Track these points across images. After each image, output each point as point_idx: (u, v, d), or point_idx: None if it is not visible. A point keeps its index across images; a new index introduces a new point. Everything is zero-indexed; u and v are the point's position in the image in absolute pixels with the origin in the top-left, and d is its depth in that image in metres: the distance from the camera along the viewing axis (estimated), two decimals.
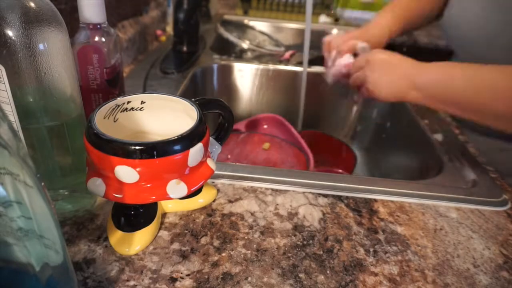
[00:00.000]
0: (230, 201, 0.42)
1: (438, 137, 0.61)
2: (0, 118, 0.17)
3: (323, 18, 1.33)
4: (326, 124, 0.93)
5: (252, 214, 0.41)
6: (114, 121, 0.36)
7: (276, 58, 1.01)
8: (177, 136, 0.31)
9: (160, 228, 0.38)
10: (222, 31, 1.07)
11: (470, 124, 0.65)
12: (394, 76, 0.55)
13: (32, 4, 0.30)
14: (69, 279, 0.24)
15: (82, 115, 0.37)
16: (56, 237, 0.21)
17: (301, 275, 0.34)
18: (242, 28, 1.24)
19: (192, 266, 0.34)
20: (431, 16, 0.76)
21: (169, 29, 1.03)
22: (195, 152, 0.32)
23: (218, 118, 0.40)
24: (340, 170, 0.80)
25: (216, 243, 0.37)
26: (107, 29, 0.44)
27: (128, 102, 0.36)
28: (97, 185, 0.32)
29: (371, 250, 0.38)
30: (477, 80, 0.48)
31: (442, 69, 0.52)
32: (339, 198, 0.45)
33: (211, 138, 0.40)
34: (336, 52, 0.67)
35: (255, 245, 0.37)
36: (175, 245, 0.36)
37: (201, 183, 0.34)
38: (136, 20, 0.85)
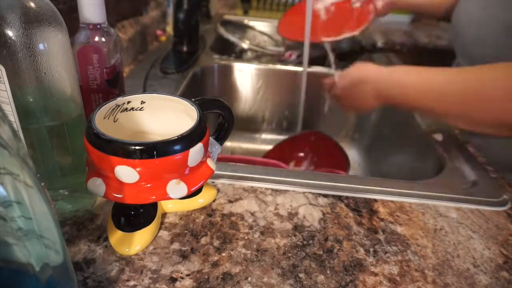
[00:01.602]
0: (230, 201, 0.42)
1: (438, 137, 0.61)
2: (0, 118, 0.17)
3: None
4: (326, 124, 0.93)
5: (252, 214, 0.41)
6: (114, 121, 0.36)
7: (276, 58, 1.01)
8: (177, 136, 0.31)
9: (160, 228, 0.38)
10: (222, 31, 1.07)
11: None
12: (363, 94, 0.62)
13: (32, 4, 0.30)
14: (69, 279, 0.24)
15: (82, 115, 0.37)
16: (56, 237, 0.21)
17: (301, 275, 0.34)
18: (242, 28, 1.24)
19: (192, 266, 0.34)
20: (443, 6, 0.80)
21: (169, 29, 1.03)
22: (195, 152, 0.32)
23: (218, 118, 0.41)
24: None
25: (216, 243, 0.37)
26: (107, 29, 0.45)
27: (128, 102, 0.36)
28: (97, 185, 0.32)
29: (371, 250, 0.38)
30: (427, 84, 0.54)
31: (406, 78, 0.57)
32: (339, 198, 0.45)
33: (211, 138, 0.40)
34: None
35: (255, 245, 0.37)
36: (175, 245, 0.36)
37: (201, 183, 0.34)
38: (136, 20, 0.85)
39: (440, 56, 0.77)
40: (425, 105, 0.54)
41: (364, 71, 0.63)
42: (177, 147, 0.31)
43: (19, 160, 0.18)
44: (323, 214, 0.42)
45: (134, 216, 0.36)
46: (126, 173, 0.30)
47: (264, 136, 0.96)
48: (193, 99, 0.37)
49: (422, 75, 0.55)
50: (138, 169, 0.30)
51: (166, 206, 0.40)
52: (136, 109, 0.37)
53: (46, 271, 0.21)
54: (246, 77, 0.90)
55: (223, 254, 0.36)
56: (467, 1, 0.66)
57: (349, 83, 0.64)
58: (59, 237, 0.22)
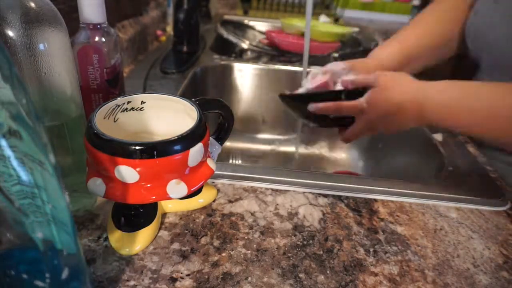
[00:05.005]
0: (230, 201, 0.42)
1: (438, 137, 0.61)
2: (25, 104, 0.18)
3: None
4: None
5: (252, 214, 0.41)
6: (114, 121, 0.36)
7: (276, 58, 1.01)
8: (177, 136, 0.31)
9: (160, 228, 0.38)
10: (222, 31, 1.07)
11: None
12: (401, 121, 0.52)
13: (32, 4, 0.30)
14: (83, 269, 0.25)
15: (82, 115, 0.37)
16: (71, 227, 0.22)
17: (301, 275, 0.34)
18: (242, 28, 1.24)
19: (192, 266, 0.34)
20: (445, 49, 0.69)
21: (169, 29, 1.03)
22: (195, 152, 0.32)
23: (218, 118, 0.41)
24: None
25: (216, 243, 0.37)
26: (107, 29, 0.45)
27: (128, 102, 0.36)
28: (97, 185, 0.32)
29: (371, 250, 0.38)
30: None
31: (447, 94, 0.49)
32: (339, 198, 0.45)
33: (211, 138, 0.40)
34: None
35: (255, 245, 0.37)
36: (175, 245, 0.36)
37: (201, 183, 0.34)
38: (136, 20, 0.85)
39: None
40: (474, 130, 0.49)
41: (404, 94, 0.51)
42: (177, 147, 0.31)
43: (43, 148, 0.19)
44: (323, 214, 0.42)
45: (134, 216, 0.36)
46: (126, 173, 0.30)
47: (264, 136, 0.96)
48: (193, 99, 0.37)
49: (473, 97, 0.48)
50: (138, 169, 0.30)
51: (166, 206, 0.40)
52: (136, 109, 0.37)
53: (63, 257, 0.22)
54: (246, 77, 0.90)
55: (223, 254, 0.36)
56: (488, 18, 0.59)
57: (385, 112, 0.51)
58: (73, 228, 0.22)
